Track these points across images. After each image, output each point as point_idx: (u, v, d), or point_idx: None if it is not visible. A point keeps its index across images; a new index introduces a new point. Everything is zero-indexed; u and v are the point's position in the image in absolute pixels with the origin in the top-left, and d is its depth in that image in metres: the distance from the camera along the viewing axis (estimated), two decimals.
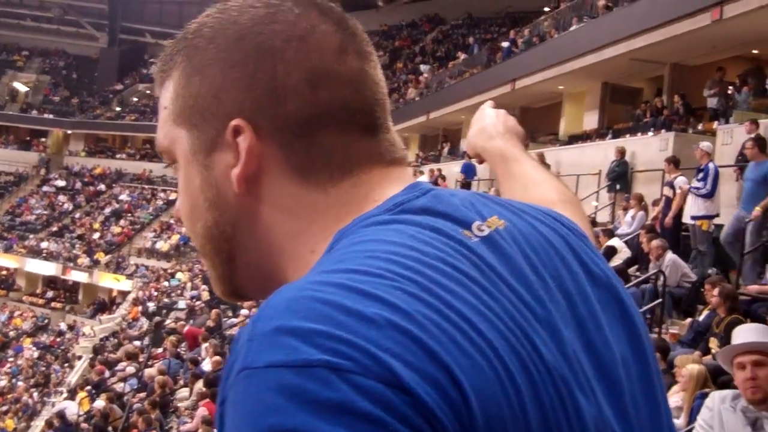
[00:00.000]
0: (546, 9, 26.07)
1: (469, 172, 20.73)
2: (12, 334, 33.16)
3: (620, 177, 13.88)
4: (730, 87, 14.80)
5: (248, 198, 0.78)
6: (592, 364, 0.73)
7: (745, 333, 4.01)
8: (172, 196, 39.95)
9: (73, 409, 16.12)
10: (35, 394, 25.25)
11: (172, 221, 37.73)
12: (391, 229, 0.72)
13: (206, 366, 14.47)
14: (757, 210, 8.48)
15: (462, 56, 29.73)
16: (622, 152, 14.02)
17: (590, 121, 20.78)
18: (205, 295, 23.46)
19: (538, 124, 24.13)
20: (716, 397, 3.95)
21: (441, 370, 0.60)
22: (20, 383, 27.04)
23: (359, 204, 0.77)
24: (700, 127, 14.89)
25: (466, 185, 20.05)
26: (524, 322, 0.68)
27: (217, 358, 14.27)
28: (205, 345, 15.91)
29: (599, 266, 0.82)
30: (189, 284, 26.29)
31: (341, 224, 0.76)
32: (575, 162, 16.71)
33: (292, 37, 0.78)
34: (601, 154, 15.55)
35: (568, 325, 0.73)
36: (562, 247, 0.80)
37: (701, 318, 7.66)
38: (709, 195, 9.70)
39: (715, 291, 6.95)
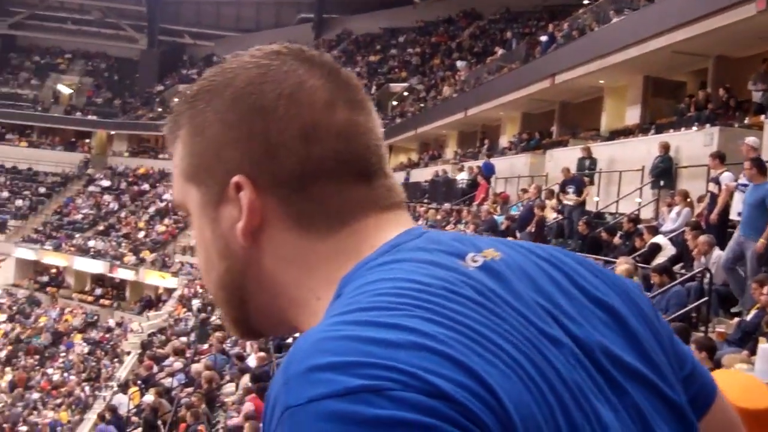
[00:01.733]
0: (585, 2, 25.81)
1: (489, 170, 20.69)
2: (63, 330, 33.85)
3: (664, 173, 13.58)
4: None
5: (253, 249, 0.83)
6: (601, 373, 0.77)
7: None
8: None
9: (124, 405, 16.48)
10: (87, 388, 25.81)
11: None
12: (393, 268, 0.77)
13: (251, 362, 14.69)
14: (761, 242, 8.11)
15: (500, 51, 29.54)
16: (666, 147, 13.73)
17: (632, 116, 20.52)
18: None
19: (578, 119, 23.93)
20: None
21: (473, 379, 0.65)
22: (72, 377, 27.64)
23: (357, 251, 0.82)
24: (746, 121, 14.60)
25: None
26: (532, 337, 0.73)
27: (262, 354, 14.48)
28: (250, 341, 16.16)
29: (598, 289, 0.85)
30: None
31: (342, 271, 0.80)
32: (617, 158, 16.54)
33: (281, 96, 0.83)
34: (644, 149, 15.37)
35: (571, 340, 0.77)
36: (556, 274, 0.84)
37: (749, 317, 7.52)
38: None
39: (765, 290, 6.85)
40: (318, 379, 0.63)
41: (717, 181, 10.40)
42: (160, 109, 48.38)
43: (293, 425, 0.63)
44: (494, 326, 0.72)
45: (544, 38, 24.68)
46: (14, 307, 36.72)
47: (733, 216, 9.91)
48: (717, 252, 8.75)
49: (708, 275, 8.59)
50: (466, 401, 0.64)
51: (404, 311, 0.70)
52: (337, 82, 0.86)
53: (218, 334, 18.64)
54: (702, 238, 8.86)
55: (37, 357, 31.42)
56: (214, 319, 22.62)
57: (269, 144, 0.82)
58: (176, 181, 0.90)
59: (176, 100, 0.92)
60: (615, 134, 19.96)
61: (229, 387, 14.58)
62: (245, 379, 13.27)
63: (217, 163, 0.84)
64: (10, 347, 32.35)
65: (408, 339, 0.66)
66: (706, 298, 8.44)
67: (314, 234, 0.82)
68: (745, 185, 9.49)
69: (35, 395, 27.39)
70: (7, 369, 30.45)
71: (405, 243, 0.82)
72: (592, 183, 16.07)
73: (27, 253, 39.77)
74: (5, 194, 44.01)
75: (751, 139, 10.08)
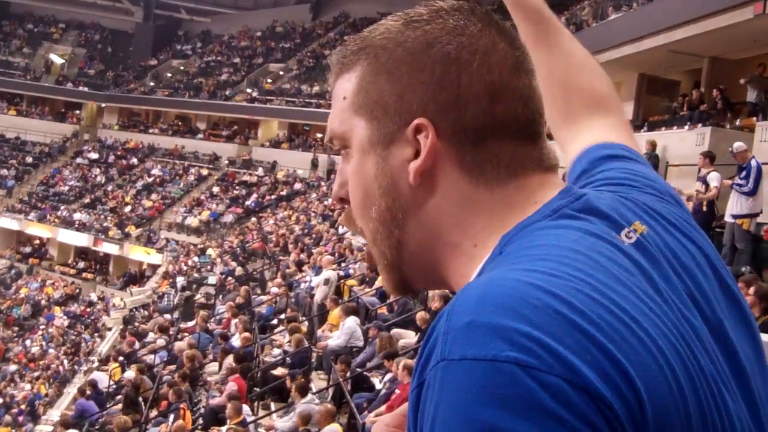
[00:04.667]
0: None
1: None
2: (44, 302, 33.72)
3: None
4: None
5: (421, 190, 0.86)
6: (729, 363, 0.81)
7: None
8: (204, 172, 40.25)
9: (104, 381, 16.44)
10: (66, 362, 25.74)
11: (203, 197, 38.06)
12: (557, 235, 0.79)
13: (236, 342, 14.67)
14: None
15: None
16: (653, 145, 13.77)
17: (626, 112, 20.46)
18: (239, 271, 23.74)
19: None
20: None
21: (616, 368, 0.67)
22: (51, 350, 27.55)
23: (521, 205, 0.85)
24: (738, 122, 14.70)
25: None
26: (678, 323, 0.76)
27: (246, 334, 14.47)
28: (234, 321, 16.13)
29: (725, 270, 0.91)
30: (219, 260, 26.56)
31: (503, 223, 0.84)
32: None
33: (477, 51, 0.86)
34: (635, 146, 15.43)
35: (708, 327, 0.81)
36: (696, 253, 0.89)
37: None
38: (752, 192, 9.53)
39: (751, 290, 6.88)
40: (474, 337, 0.67)
41: (704, 180, 10.45)
42: (152, 83, 48.09)
43: (445, 377, 0.67)
44: (647, 310, 0.74)
45: None
46: None
47: (727, 218, 9.93)
48: None
49: None
50: (605, 393, 0.66)
51: (566, 281, 0.72)
52: (521, 50, 0.90)
53: (203, 312, 18.62)
54: None
55: (16, 329, 31.29)
56: (199, 297, 22.60)
57: (458, 94, 0.85)
58: (341, 112, 0.91)
59: (354, 36, 0.93)
60: None
61: (212, 366, 14.56)
62: (229, 359, 13.25)
63: (400, 102, 0.86)
64: None
65: (564, 314, 0.69)
66: None
67: (483, 184, 0.86)
68: (740, 185, 9.55)
69: (12, 367, 27.30)
70: None
71: (565, 207, 0.84)
72: None
73: (10, 223, 39.55)
74: None
75: (737, 145, 10.09)
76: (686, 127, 15.07)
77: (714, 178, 10.37)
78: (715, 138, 13.46)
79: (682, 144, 14.41)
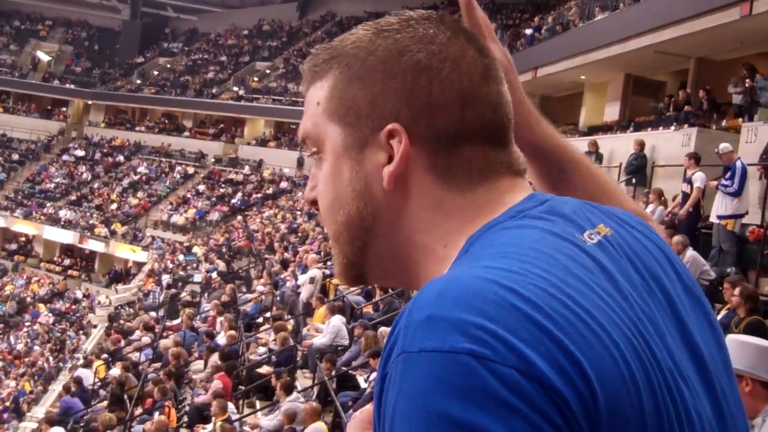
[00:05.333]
0: None
1: None
2: (29, 299, 33.53)
3: (638, 170, 13.66)
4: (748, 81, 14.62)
5: (394, 194, 0.88)
6: (690, 358, 0.83)
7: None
8: (190, 170, 40.10)
9: (89, 378, 16.36)
10: (51, 359, 25.59)
11: (189, 195, 37.93)
12: (520, 234, 0.82)
13: (221, 340, 14.63)
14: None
15: None
16: (641, 145, 13.83)
17: (611, 112, 20.68)
18: (224, 269, 23.67)
19: (558, 113, 24.01)
20: None
21: (569, 359, 0.69)
22: (36, 347, 27.39)
23: (491, 207, 0.88)
24: (723, 123, 14.77)
25: None
26: (636, 318, 0.78)
27: (232, 332, 14.44)
28: (220, 319, 16.09)
29: (687, 274, 0.94)
30: (204, 258, 26.47)
31: (472, 224, 0.86)
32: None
33: (446, 59, 0.88)
34: (622, 146, 15.50)
35: (668, 324, 0.83)
36: (659, 255, 0.91)
37: (719, 317, 7.62)
38: (737, 193, 9.58)
39: (736, 291, 6.89)
40: (432, 330, 0.70)
41: (690, 181, 10.51)
42: (139, 81, 47.88)
43: (405, 369, 0.70)
44: (602, 305, 0.76)
45: (528, 31, 24.73)
46: None
47: (713, 218, 9.97)
48: (690, 252, 8.84)
49: None
50: (557, 383, 0.68)
51: (523, 276, 0.74)
52: (489, 57, 0.92)
53: (188, 310, 18.56)
54: (676, 238, 8.94)
55: (1, 326, 31.08)
56: (184, 295, 22.52)
57: (429, 101, 0.87)
58: (314, 117, 0.93)
59: (324, 45, 0.96)
60: (593, 130, 20.08)
61: (198, 364, 14.52)
62: (214, 357, 13.21)
63: (372, 108, 0.89)
64: None
65: (518, 307, 0.71)
66: None
67: (455, 188, 0.88)
68: (725, 185, 9.60)
69: None
70: None
71: (530, 209, 0.87)
72: None
73: None
74: None
75: (722, 146, 10.17)
76: (672, 127, 15.12)
77: (698, 179, 10.43)
78: (701, 139, 13.51)
79: (669, 145, 14.47)
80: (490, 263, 0.76)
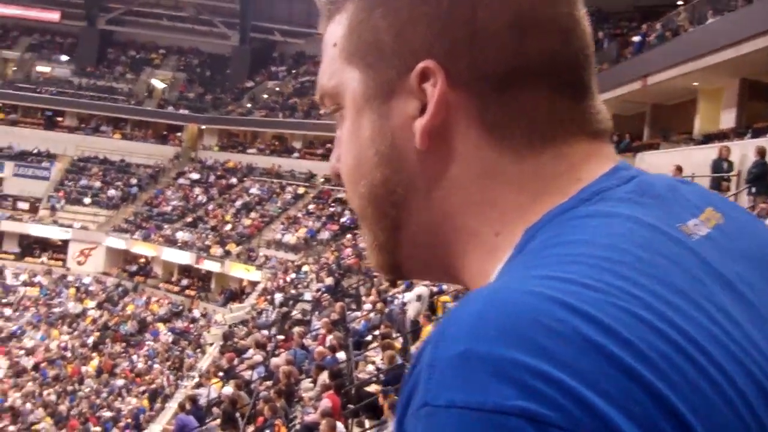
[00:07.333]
0: (679, 2, 25.10)
1: None
2: (149, 318, 34.86)
3: (758, 179, 13.12)
4: None
5: (430, 156, 0.67)
6: None
7: None
8: (300, 191, 40.89)
9: (204, 394, 16.81)
10: (170, 377, 26.50)
11: (299, 215, 38.64)
12: (597, 227, 0.59)
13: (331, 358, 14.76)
14: None
15: None
16: (761, 152, 13.22)
17: (727, 119, 19.86)
18: (332, 286, 23.94)
19: (670, 122, 23.30)
20: None
21: (675, 424, 0.48)
22: (156, 366, 28.43)
23: (558, 183, 0.65)
24: None
25: None
26: (758, 342, 0.56)
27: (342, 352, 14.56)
28: (329, 337, 16.24)
29: None
30: (314, 277, 26.87)
31: (534, 206, 0.64)
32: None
33: None
34: (740, 154, 14.82)
35: None
36: None
37: None
38: None
39: None
40: (467, 375, 0.48)
41: None
42: (249, 105, 49.28)
43: (428, 427, 0.49)
44: (721, 336, 0.53)
45: (636, 39, 24.09)
46: (103, 295, 38.01)
47: None
48: None
49: None
50: None
51: (604, 294, 0.52)
52: None
53: (298, 328, 18.84)
54: None
55: (123, 344, 32.42)
56: (295, 313, 22.89)
57: (473, 28, 0.64)
58: (331, 62, 0.73)
59: None
60: (709, 138, 19.32)
61: (308, 383, 14.68)
62: (324, 376, 13.33)
63: (398, 42, 0.67)
64: (98, 334, 33.50)
65: (598, 343, 0.49)
66: None
67: (508, 150, 0.65)
68: None
69: (120, 382, 28.26)
70: (94, 354, 31.56)
71: (611, 189, 0.63)
72: (728, 188, 14.25)
73: (117, 242, 41.01)
74: (98, 184, 45.49)
75: None
76: None
77: None
78: None
79: None
80: (554, 271, 0.54)
